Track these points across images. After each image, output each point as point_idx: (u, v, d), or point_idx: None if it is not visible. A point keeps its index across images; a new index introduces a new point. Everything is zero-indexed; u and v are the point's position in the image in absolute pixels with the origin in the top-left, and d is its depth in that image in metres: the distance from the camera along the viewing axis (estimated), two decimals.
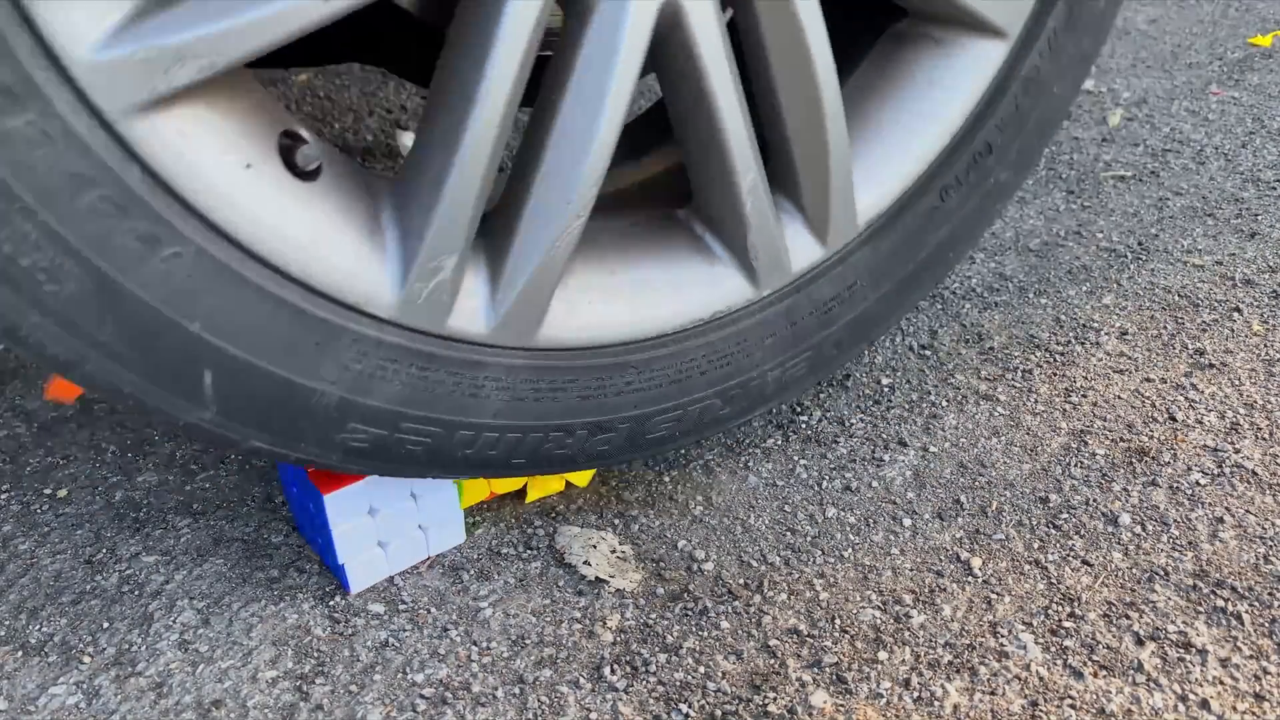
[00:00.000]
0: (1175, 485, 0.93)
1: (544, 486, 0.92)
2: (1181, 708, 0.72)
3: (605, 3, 0.66)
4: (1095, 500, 0.92)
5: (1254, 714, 0.72)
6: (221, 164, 0.58)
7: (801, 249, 0.83)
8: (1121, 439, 0.99)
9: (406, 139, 1.72)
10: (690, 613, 0.81)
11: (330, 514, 0.78)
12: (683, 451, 0.99)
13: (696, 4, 0.69)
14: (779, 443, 1.00)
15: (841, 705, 0.73)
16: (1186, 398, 1.05)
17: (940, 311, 1.22)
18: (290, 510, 0.90)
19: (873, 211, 0.86)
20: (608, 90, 0.67)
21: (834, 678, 0.75)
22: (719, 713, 0.73)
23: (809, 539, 0.88)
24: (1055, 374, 1.10)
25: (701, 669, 0.76)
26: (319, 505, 0.78)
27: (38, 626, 0.80)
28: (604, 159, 0.69)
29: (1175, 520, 0.89)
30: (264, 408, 0.64)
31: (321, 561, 0.85)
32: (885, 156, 0.87)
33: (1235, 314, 1.20)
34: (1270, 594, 0.81)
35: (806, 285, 0.85)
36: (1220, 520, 0.89)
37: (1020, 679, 0.75)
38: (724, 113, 0.73)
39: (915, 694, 0.74)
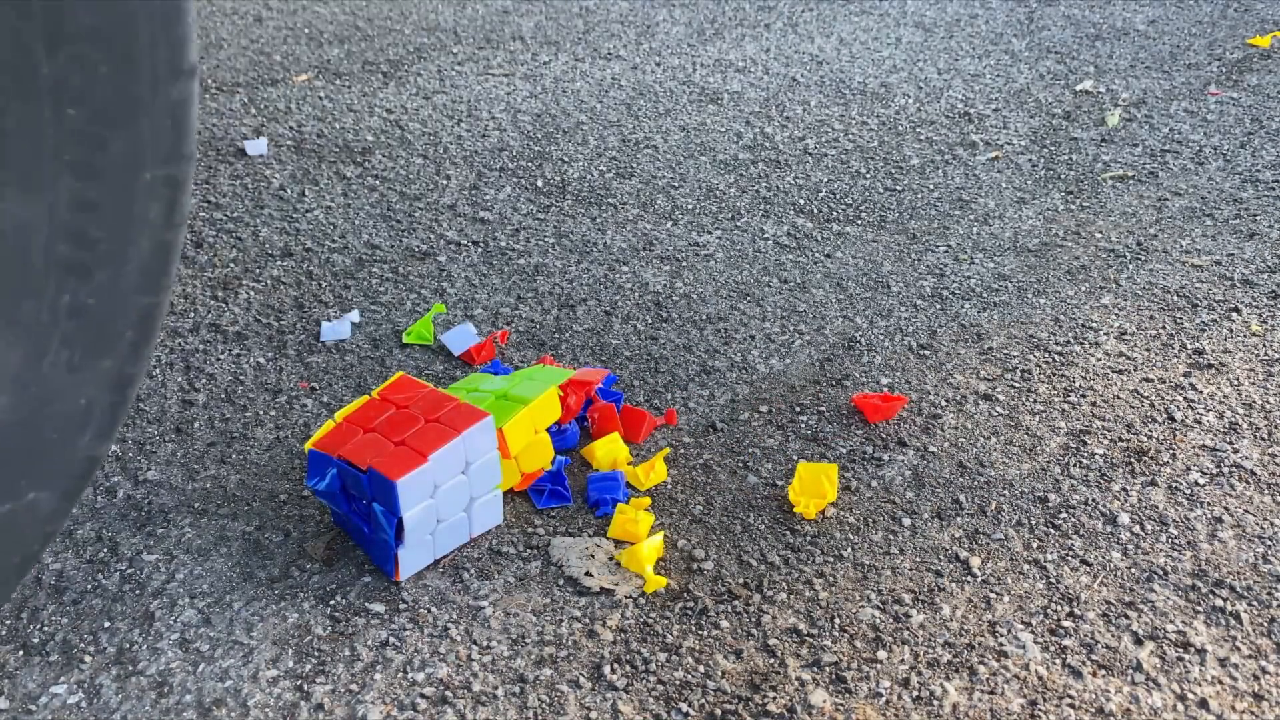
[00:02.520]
0: (1174, 485, 0.93)
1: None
2: (1180, 707, 0.72)
3: None
4: (1094, 500, 0.92)
5: (1253, 713, 0.72)
6: None
7: None
8: (1120, 439, 0.99)
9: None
10: (690, 612, 0.81)
11: (402, 499, 0.79)
12: (683, 451, 0.99)
13: None
14: (779, 442, 1.00)
15: (841, 704, 0.73)
16: (1185, 398, 1.05)
17: (940, 311, 1.22)
18: (330, 504, 0.88)
19: None
20: None
21: (833, 677, 0.75)
22: (719, 712, 0.73)
23: (809, 538, 0.88)
24: (1054, 374, 1.10)
25: (701, 668, 0.76)
26: (386, 491, 0.79)
27: (39, 625, 0.80)
28: None
29: (1174, 520, 0.89)
30: None
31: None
32: None
33: (1234, 314, 1.20)
34: (1269, 593, 0.81)
35: None
36: (1219, 520, 0.89)
37: (1019, 678, 0.75)
38: None
39: (915, 693, 0.74)
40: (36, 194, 0.57)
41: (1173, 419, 1.02)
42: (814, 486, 0.91)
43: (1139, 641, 0.78)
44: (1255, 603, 0.81)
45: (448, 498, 0.83)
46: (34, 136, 0.56)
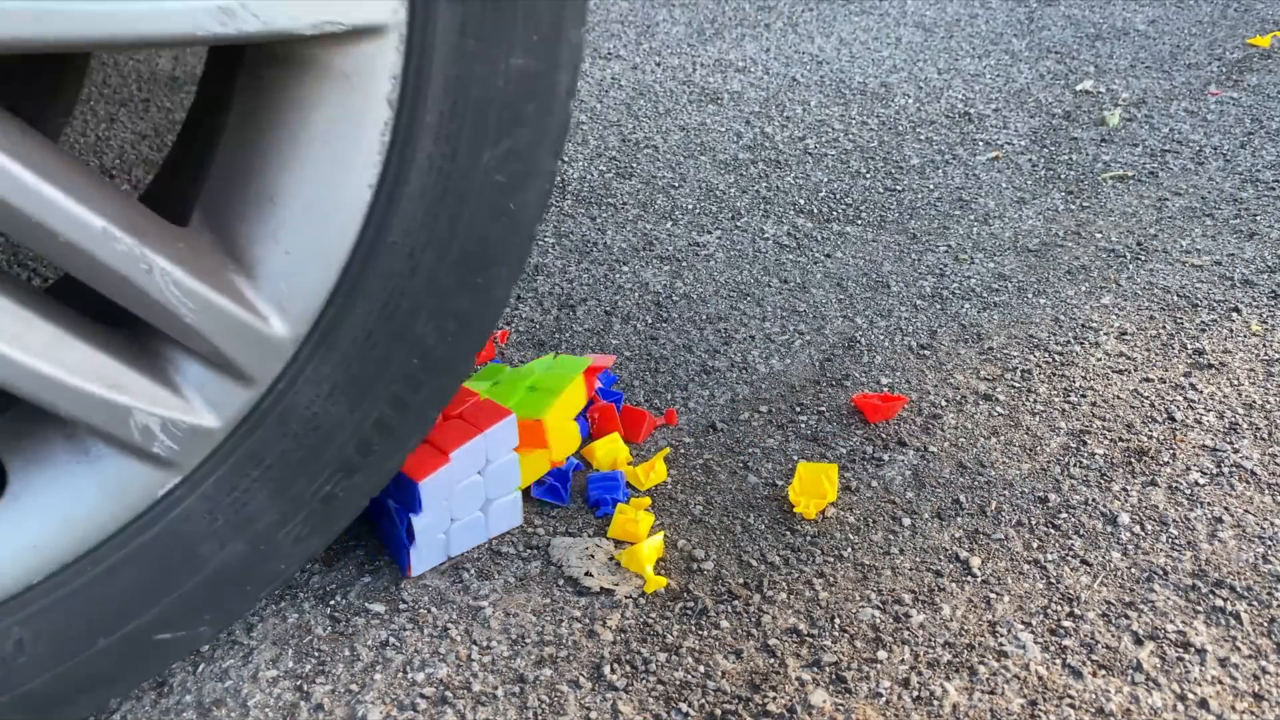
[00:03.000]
0: (1174, 485, 0.93)
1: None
2: (1180, 707, 0.72)
3: None
4: (1094, 500, 0.92)
5: (1253, 713, 0.72)
6: None
7: None
8: (1120, 439, 0.99)
9: None
10: (690, 612, 0.81)
11: (425, 500, 0.81)
12: (683, 451, 0.99)
13: None
14: (779, 442, 1.00)
15: (841, 704, 0.73)
16: (1185, 398, 1.05)
17: (940, 311, 1.22)
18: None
19: None
20: None
21: (833, 677, 0.75)
22: (719, 712, 0.73)
23: (809, 539, 0.88)
24: (1054, 374, 1.10)
25: (701, 668, 0.76)
26: (407, 490, 0.80)
27: None
28: None
29: (1174, 520, 0.89)
30: None
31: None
32: None
33: (1234, 314, 1.20)
34: (1269, 593, 0.81)
35: None
36: (1219, 520, 0.89)
37: (1019, 678, 0.75)
38: None
39: (915, 693, 0.74)
40: (358, 408, 0.69)
41: (1173, 419, 1.02)
42: (814, 486, 0.91)
43: (1139, 641, 0.78)
44: (1255, 603, 0.81)
45: (463, 497, 0.84)
46: (381, 370, 0.69)
